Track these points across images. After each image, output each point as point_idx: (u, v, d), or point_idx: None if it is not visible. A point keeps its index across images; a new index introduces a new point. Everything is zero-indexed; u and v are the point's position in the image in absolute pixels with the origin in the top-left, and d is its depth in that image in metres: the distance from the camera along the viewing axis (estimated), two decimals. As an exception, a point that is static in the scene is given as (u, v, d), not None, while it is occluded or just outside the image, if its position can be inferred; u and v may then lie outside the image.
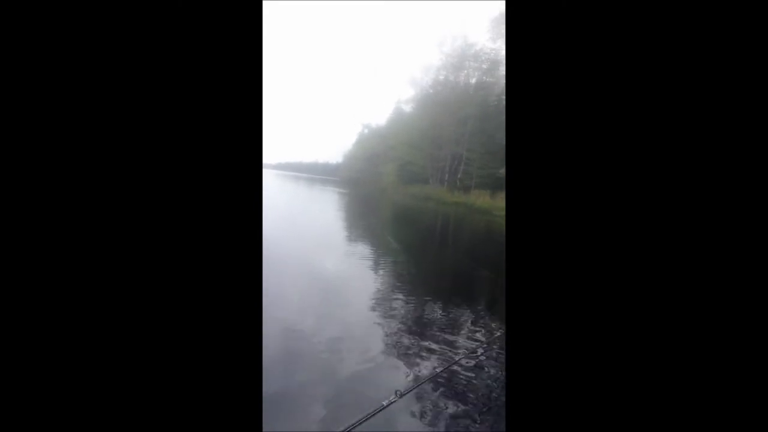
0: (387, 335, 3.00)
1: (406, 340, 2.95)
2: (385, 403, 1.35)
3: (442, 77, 39.10)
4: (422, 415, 2.05)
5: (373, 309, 3.59)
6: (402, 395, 1.39)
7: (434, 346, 2.89)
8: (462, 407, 2.15)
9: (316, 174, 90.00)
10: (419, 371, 2.48)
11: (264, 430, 0.84)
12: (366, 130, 66.93)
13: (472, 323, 3.47)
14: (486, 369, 2.63)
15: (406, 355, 2.71)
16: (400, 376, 2.44)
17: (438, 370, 2.21)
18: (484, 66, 33.82)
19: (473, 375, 2.50)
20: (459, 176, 32.10)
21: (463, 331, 3.26)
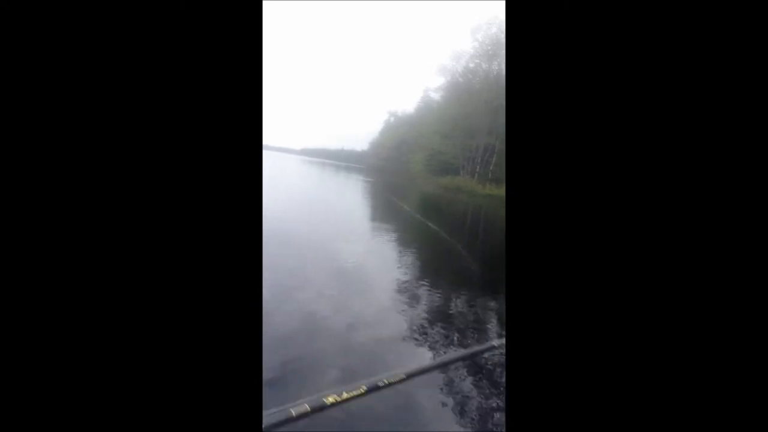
0: (408, 321, 3.14)
1: (426, 326, 3.08)
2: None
3: (473, 65, 38.21)
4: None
5: (400, 297, 3.73)
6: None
7: (454, 334, 3.01)
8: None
9: (341, 161, 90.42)
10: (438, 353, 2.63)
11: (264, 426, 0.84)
12: (392, 118, 66.67)
13: (498, 318, 3.55)
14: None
15: (424, 338, 2.85)
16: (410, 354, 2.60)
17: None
18: (520, 54, 32.66)
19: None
20: (491, 168, 31.28)
21: (489, 325, 3.36)
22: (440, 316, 3.41)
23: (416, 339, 2.86)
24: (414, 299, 3.74)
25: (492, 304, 3.96)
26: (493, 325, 3.41)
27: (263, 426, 0.91)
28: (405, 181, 33.09)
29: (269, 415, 0.94)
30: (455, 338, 2.98)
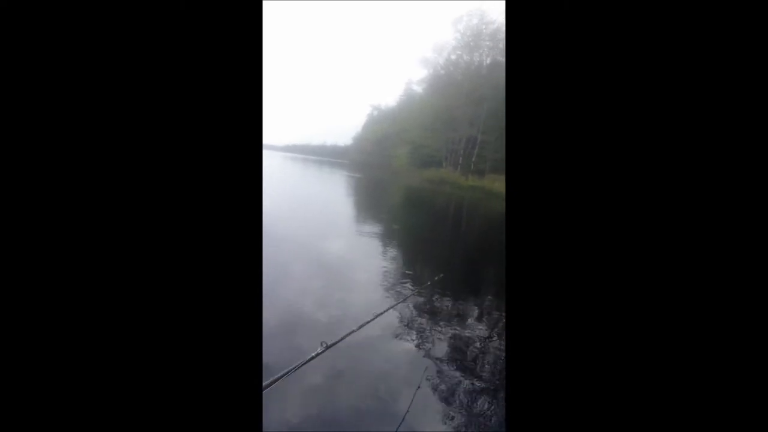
0: (397, 316, 3.20)
1: (409, 319, 3.17)
2: (313, 354, 1.38)
3: (454, 57, 38.17)
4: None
5: (385, 291, 3.86)
6: (328, 347, 1.43)
7: (440, 328, 3.09)
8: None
9: (325, 156, 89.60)
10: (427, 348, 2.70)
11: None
12: (375, 112, 66.20)
13: (480, 311, 3.65)
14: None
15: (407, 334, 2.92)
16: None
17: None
18: (501, 45, 32.73)
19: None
20: (473, 159, 31.40)
21: (469, 319, 3.41)
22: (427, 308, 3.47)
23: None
24: (400, 296, 3.79)
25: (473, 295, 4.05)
26: (473, 317, 3.48)
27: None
28: (389, 175, 33.02)
29: None
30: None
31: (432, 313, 3.38)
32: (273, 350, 2.27)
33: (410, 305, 3.45)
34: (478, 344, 2.86)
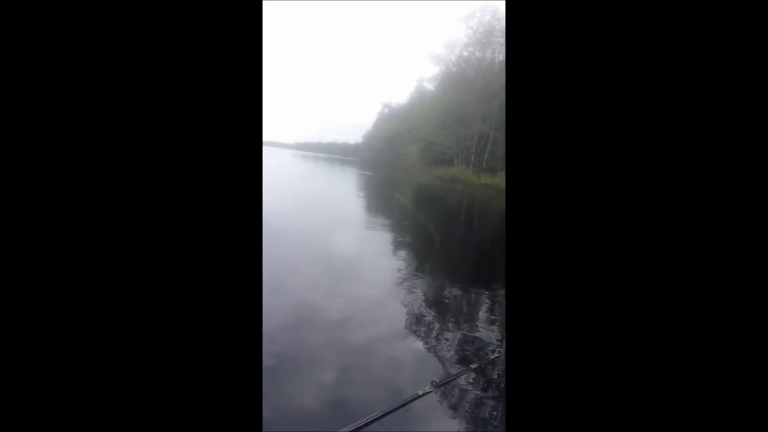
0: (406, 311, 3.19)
1: (424, 317, 3.14)
2: (420, 393, 1.27)
3: (466, 54, 37.91)
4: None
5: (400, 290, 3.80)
6: (438, 386, 1.30)
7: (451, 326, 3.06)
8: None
9: (335, 154, 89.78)
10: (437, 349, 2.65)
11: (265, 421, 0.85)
12: (386, 110, 66.10)
13: (490, 309, 3.61)
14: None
15: (421, 330, 2.90)
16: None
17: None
18: (513, 42, 32.39)
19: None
20: (485, 157, 31.17)
21: (480, 317, 3.40)
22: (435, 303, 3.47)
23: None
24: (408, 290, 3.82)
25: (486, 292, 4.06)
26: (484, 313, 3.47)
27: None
28: (400, 173, 32.97)
29: None
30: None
31: (442, 309, 3.37)
32: (282, 345, 2.28)
33: (420, 300, 3.46)
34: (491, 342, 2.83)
